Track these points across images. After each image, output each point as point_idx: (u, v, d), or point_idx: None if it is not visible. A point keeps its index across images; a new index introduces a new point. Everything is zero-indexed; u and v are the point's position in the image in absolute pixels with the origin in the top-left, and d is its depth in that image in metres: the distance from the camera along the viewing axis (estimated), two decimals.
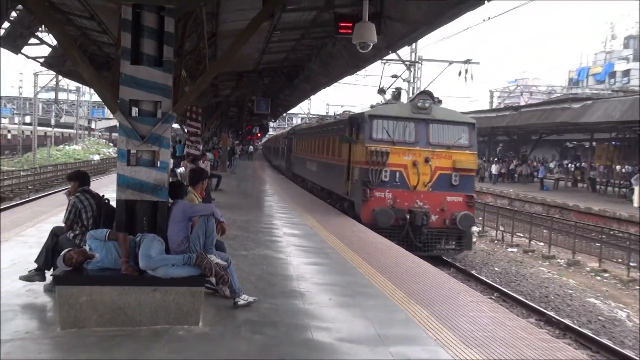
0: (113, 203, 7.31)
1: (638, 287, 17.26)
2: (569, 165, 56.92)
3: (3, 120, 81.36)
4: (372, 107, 21.14)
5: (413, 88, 37.81)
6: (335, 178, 22.00)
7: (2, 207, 22.12)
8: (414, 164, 17.80)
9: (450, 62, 31.85)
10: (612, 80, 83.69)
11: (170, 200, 7.21)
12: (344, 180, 20.03)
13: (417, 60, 39.63)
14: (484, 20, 26.86)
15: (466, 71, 31.52)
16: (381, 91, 24.11)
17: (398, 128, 18.17)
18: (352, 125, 19.74)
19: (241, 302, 7.29)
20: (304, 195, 25.59)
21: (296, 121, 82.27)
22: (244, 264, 9.62)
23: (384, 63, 27.74)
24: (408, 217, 17.34)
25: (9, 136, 73.76)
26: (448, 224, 17.78)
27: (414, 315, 7.47)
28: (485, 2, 10.06)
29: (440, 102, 19.36)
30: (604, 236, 21.63)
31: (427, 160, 17.83)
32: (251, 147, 71.45)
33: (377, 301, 8.14)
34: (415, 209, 17.56)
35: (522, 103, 57.63)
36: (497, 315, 7.83)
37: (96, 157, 60.62)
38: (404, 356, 5.98)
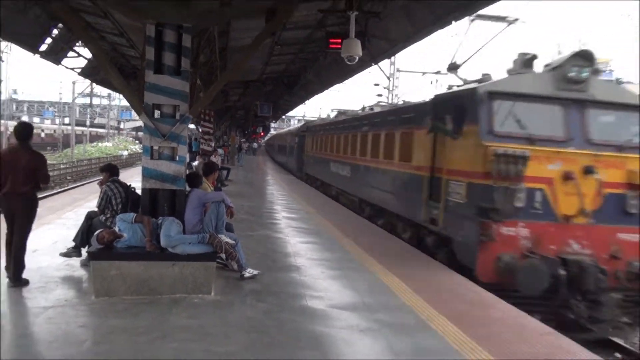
0: (139, 191, 7.31)
1: None
2: None
3: (46, 122, 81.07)
4: (482, 79, 9.99)
5: (391, 95, 37.73)
6: (398, 192, 12.52)
7: (45, 195, 21.98)
8: (567, 176, 8.59)
9: (424, 73, 31.84)
10: None
11: (188, 189, 7.21)
12: (422, 200, 10.79)
13: (395, 71, 39.52)
14: (451, 37, 26.83)
15: (437, 80, 31.44)
16: (453, 67, 11.85)
17: (538, 115, 8.95)
18: (446, 111, 10.05)
19: (247, 274, 7.28)
20: (309, 191, 22.49)
21: (294, 122, 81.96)
22: (249, 242, 9.60)
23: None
24: (564, 272, 8.24)
25: (43, 135, 73.34)
26: (624, 281, 8.55)
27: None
28: (453, 22, 10.05)
29: (599, 72, 10.76)
30: None
31: (588, 171, 8.60)
32: (255, 144, 71.27)
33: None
34: (575, 257, 8.46)
35: None
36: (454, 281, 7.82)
37: (125, 153, 60.16)
38: (382, 320, 5.99)
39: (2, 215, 6.48)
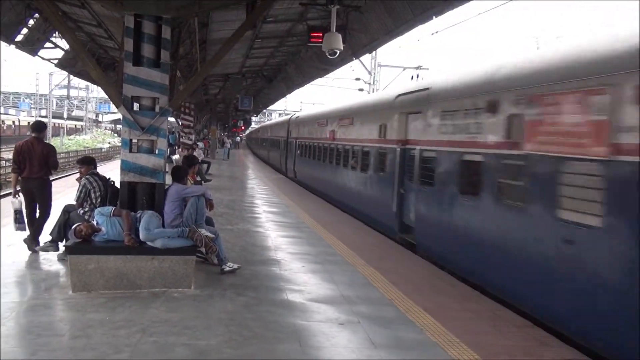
0: (118, 184, 7.24)
1: None
2: None
3: (21, 114, 79.75)
4: None
5: (372, 89, 37.83)
6: None
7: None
8: None
9: (404, 68, 31.97)
10: None
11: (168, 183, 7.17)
12: None
13: (376, 65, 39.62)
14: (432, 34, 26.91)
15: (417, 75, 31.56)
16: None
17: None
18: None
19: (227, 268, 7.26)
20: (290, 185, 22.65)
21: (275, 116, 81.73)
22: (229, 236, 9.57)
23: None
24: None
25: (4, 127, 72.19)
26: None
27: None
28: (434, 17, 10.10)
29: None
30: None
31: None
32: (238, 138, 71.02)
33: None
34: None
35: None
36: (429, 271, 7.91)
37: (106, 145, 59.28)
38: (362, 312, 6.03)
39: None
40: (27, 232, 7.71)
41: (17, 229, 7.64)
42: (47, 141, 8.42)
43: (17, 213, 7.57)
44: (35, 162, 7.58)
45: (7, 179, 29.22)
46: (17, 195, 7.61)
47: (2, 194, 19.42)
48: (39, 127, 7.90)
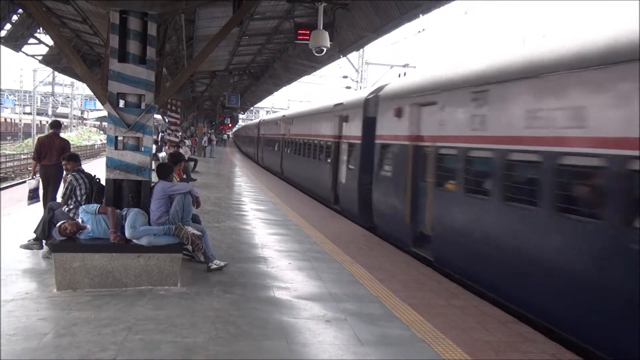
0: (103, 182, 7.18)
1: None
2: None
3: (5, 110, 78.87)
4: None
5: (360, 87, 37.86)
6: None
7: (4, 186, 21.42)
8: None
9: (392, 66, 32.02)
10: None
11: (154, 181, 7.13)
12: None
13: (363, 63, 39.67)
14: (419, 32, 26.99)
15: (404, 73, 31.64)
16: None
17: None
18: None
19: (214, 266, 7.24)
20: (277, 182, 23.82)
21: (262, 114, 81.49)
22: (216, 234, 9.55)
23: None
24: None
25: None
26: None
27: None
28: (420, 15, 10.14)
29: None
30: None
31: None
32: (225, 135, 70.79)
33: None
34: None
35: None
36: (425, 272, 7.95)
37: (98, 142, 58.62)
38: (349, 309, 6.05)
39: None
40: (40, 203, 8.98)
41: (30, 203, 8.97)
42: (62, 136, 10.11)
43: (32, 191, 8.85)
44: (54, 152, 9.20)
45: (5, 174, 29.18)
46: (34, 177, 9.08)
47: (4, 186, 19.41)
48: (56, 125, 9.91)
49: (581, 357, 5.22)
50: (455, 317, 6.06)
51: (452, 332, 5.53)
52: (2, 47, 12.89)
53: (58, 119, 10.40)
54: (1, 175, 29.51)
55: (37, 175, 9.16)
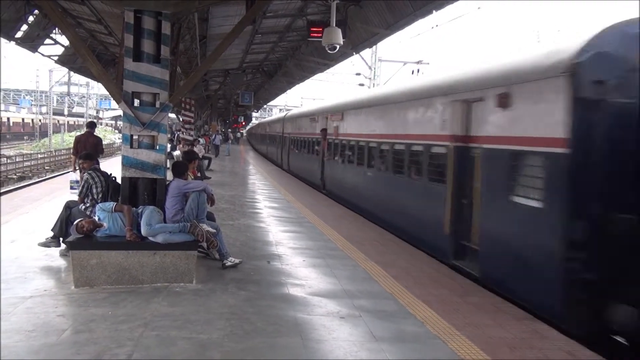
0: (119, 180, 7.26)
1: None
2: None
3: (22, 111, 79.93)
4: None
5: (373, 84, 37.78)
6: None
7: (23, 185, 21.67)
8: None
9: (405, 63, 31.89)
10: None
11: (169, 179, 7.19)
12: None
13: (376, 60, 39.56)
14: (432, 28, 26.89)
15: (418, 70, 31.49)
16: None
17: None
18: None
19: (228, 263, 7.28)
20: (291, 180, 23.37)
21: (275, 112, 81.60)
22: (230, 231, 9.60)
23: None
24: None
25: (11, 123, 73.40)
26: None
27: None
28: (434, 11, 10.10)
29: None
30: None
31: None
32: (239, 133, 71.09)
33: None
34: None
35: None
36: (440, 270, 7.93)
37: (118, 141, 59.11)
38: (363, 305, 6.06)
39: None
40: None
41: (72, 193, 9.25)
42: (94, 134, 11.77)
43: (73, 182, 9.51)
44: (89, 147, 10.41)
45: (8, 176, 29.46)
46: (75, 171, 10.26)
47: (2, 191, 19.49)
48: (91, 125, 11.96)
49: (598, 354, 5.18)
50: (470, 313, 6.04)
51: (467, 328, 5.51)
52: (19, 47, 13.04)
53: (93, 120, 13.09)
54: (17, 175, 29.89)
55: (77, 168, 9.88)
